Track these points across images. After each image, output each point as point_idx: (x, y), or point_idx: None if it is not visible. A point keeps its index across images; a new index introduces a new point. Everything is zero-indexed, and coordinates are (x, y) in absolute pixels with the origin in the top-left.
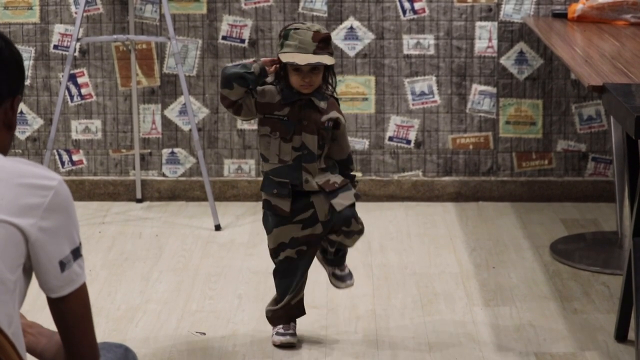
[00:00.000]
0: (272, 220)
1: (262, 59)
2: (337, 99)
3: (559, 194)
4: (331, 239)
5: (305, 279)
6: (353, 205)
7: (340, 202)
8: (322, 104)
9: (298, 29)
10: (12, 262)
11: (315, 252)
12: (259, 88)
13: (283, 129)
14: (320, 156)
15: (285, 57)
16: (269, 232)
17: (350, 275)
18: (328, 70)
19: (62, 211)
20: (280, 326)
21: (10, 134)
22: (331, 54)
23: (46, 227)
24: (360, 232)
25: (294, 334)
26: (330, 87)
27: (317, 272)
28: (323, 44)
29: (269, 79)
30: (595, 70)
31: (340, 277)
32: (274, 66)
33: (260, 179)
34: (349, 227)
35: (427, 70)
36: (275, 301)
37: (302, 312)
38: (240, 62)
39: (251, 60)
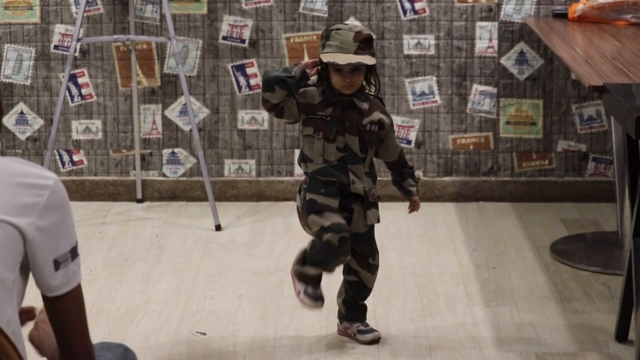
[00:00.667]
0: (309, 209)
1: (303, 62)
2: (380, 99)
3: (560, 194)
4: (353, 267)
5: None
6: (373, 232)
7: (371, 217)
8: (364, 105)
9: (340, 29)
10: (10, 262)
11: (347, 252)
12: (300, 89)
13: (326, 129)
14: (364, 160)
15: (326, 57)
16: (308, 215)
17: (374, 329)
18: (370, 70)
19: (59, 210)
20: (310, 286)
21: None
22: (373, 55)
23: (43, 226)
24: (377, 269)
25: (322, 298)
26: (373, 88)
27: None
28: (364, 44)
29: (311, 80)
30: (595, 71)
31: (365, 331)
32: (315, 68)
33: (261, 179)
34: (374, 260)
35: (427, 70)
36: (304, 262)
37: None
38: (282, 67)
39: (293, 64)
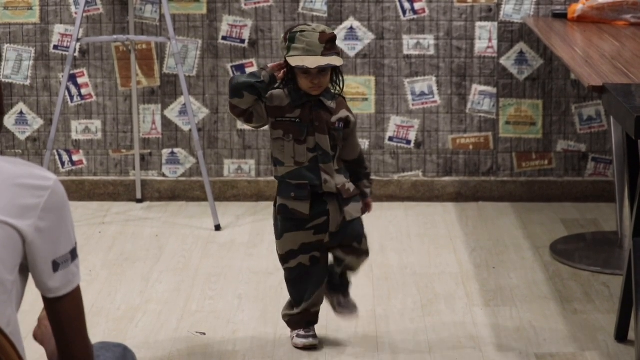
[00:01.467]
0: (283, 225)
1: (270, 65)
2: (344, 98)
3: (559, 194)
4: (339, 256)
5: (322, 292)
6: (360, 219)
7: (351, 212)
8: (332, 104)
9: (304, 31)
10: (9, 263)
11: (324, 269)
12: (271, 92)
13: (296, 130)
14: (334, 157)
15: (295, 61)
16: (278, 237)
17: (355, 306)
18: (334, 70)
19: (59, 211)
20: (301, 330)
21: None
22: (339, 54)
23: (43, 227)
24: (367, 254)
25: (315, 336)
26: (337, 87)
27: None
28: (330, 44)
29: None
30: (595, 71)
31: (345, 304)
32: (282, 71)
33: (261, 179)
34: (360, 244)
35: (427, 70)
36: (291, 306)
37: (316, 322)
38: (249, 72)
39: (260, 68)
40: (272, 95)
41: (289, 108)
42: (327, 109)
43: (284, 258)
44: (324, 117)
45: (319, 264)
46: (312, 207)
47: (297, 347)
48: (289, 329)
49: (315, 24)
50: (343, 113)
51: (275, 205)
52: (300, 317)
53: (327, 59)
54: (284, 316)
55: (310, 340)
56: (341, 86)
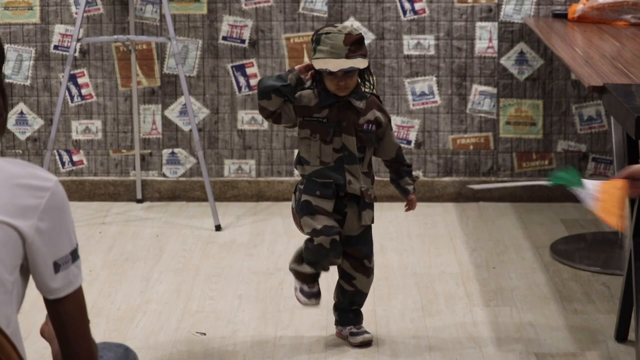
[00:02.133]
0: (303, 210)
1: (297, 67)
2: (377, 96)
3: (560, 194)
4: (348, 272)
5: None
6: (371, 237)
7: (365, 217)
8: (361, 104)
9: (329, 32)
10: (9, 263)
11: (338, 255)
12: (300, 92)
13: (323, 130)
14: (362, 159)
15: (318, 64)
16: (301, 217)
17: (366, 331)
18: (364, 69)
19: (59, 212)
20: (306, 284)
21: None
22: (364, 56)
23: (43, 228)
24: (373, 271)
25: (318, 295)
26: (368, 84)
27: None
28: (355, 46)
29: (307, 84)
30: (595, 71)
31: (356, 333)
32: (309, 72)
33: (261, 179)
34: (370, 262)
35: (427, 70)
36: (301, 260)
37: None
38: (277, 75)
39: (287, 71)
40: (301, 95)
41: (317, 108)
42: (355, 109)
43: (313, 233)
44: (351, 117)
45: (339, 246)
46: (335, 205)
47: (298, 301)
48: (289, 329)
49: (342, 25)
50: (373, 114)
51: (297, 200)
52: (307, 276)
53: (350, 62)
54: (292, 269)
55: (312, 301)
56: (373, 84)
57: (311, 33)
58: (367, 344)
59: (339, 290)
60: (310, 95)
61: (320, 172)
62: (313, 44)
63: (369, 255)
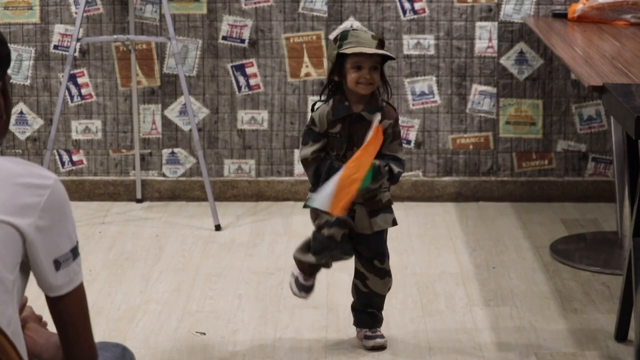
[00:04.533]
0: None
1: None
2: (394, 107)
3: (559, 194)
4: (362, 272)
5: (338, 254)
6: (384, 239)
7: (379, 222)
8: (376, 117)
9: (356, 30)
10: (10, 262)
11: (349, 250)
12: (314, 117)
13: (337, 146)
14: None
15: (351, 50)
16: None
17: (382, 336)
18: (382, 77)
19: (59, 210)
20: (302, 275)
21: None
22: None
23: (43, 226)
24: (390, 274)
25: (310, 289)
26: (385, 92)
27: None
28: (380, 46)
29: (323, 97)
30: (595, 71)
31: (370, 337)
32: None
33: (261, 179)
34: (382, 263)
35: (427, 70)
36: (307, 249)
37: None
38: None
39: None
40: (318, 117)
41: (331, 123)
42: (367, 122)
43: (324, 224)
44: (362, 131)
45: (346, 244)
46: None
47: (291, 289)
48: (289, 329)
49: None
50: (383, 125)
51: None
52: (309, 268)
53: (382, 51)
54: (295, 257)
55: (302, 294)
56: (389, 92)
57: (311, 33)
58: (379, 348)
59: (355, 290)
60: (323, 113)
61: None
62: (338, 42)
63: (380, 256)
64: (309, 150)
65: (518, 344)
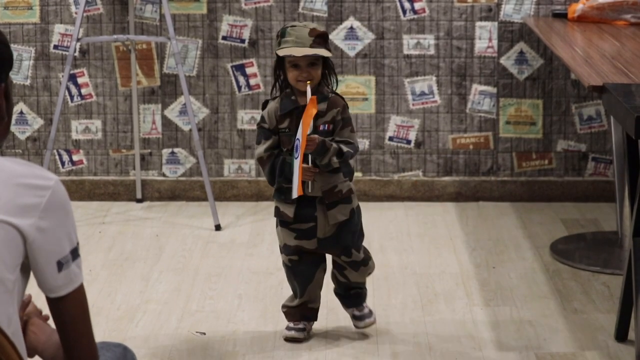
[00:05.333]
0: (277, 221)
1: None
2: (341, 97)
3: (559, 194)
4: (336, 273)
5: (316, 288)
6: (353, 226)
7: (335, 215)
8: (321, 106)
9: (295, 26)
10: (11, 262)
11: (317, 269)
12: (264, 115)
13: (287, 140)
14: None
15: (283, 52)
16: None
17: (370, 313)
18: (327, 67)
19: (60, 211)
20: (291, 323)
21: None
22: (329, 50)
23: (44, 226)
24: (364, 262)
25: (301, 329)
26: (329, 84)
27: None
28: (320, 39)
29: (274, 92)
30: (595, 70)
31: (358, 317)
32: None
33: (261, 179)
34: (349, 256)
35: (427, 70)
36: (292, 298)
37: (314, 318)
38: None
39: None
40: (267, 114)
41: (280, 119)
42: (316, 113)
43: (280, 249)
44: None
45: (300, 266)
46: (300, 212)
47: (284, 339)
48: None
49: (309, 22)
50: (331, 114)
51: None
52: (296, 310)
53: (314, 50)
54: (283, 307)
55: (292, 333)
56: (334, 83)
57: None
58: (369, 325)
59: (334, 278)
60: (272, 109)
61: (286, 176)
62: (278, 38)
63: (346, 250)
64: (262, 148)
65: (518, 344)
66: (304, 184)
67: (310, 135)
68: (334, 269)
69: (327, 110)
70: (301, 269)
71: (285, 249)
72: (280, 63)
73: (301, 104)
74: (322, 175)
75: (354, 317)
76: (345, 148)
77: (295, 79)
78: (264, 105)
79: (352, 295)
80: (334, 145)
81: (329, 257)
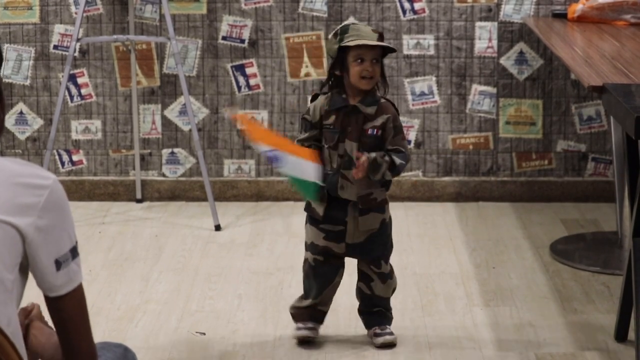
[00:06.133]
0: (307, 217)
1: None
2: (392, 103)
3: (559, 194)
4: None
5: (331, 292)
6: (384, 237)
7: (366, 222)
8: (370, 110)
9: (356, 24)
10: (9, 262)
11: (337, 272)
12: (310, 107)
13: (329, 137)
14: None
15: (354, 42)
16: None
17: (391, 333)
18: (381, 73)
19: (58, 210)
20: (300, 323)
21: None
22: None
23: (43, 226)
24: (390, 276)
25: (312, 328)
26: (381, 87)
27: None
28: (381, 38)
29: (324, 89)
30: (595, 71)
31: (379, 334)
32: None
33: (260, 179)
34: (379, 267)
35: (427, 70)
36: (302, 298)
37: (321, 321)
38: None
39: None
40: (313, 108)
41: (326, 114)
42: (363, 115)
43: (305, 246)
44: (357, 123)
45: (323, 267)
46: (330, 213)
47: (295, 339)
48: (289, 329)
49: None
50: (381, 119)
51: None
52: (305, 311)
53: (383, 43)
54: (292, 308)
55: (304, 332)
56: (386, 88)
57: (311, 33)
58: (389, 345)
59: (358, 293)
60: (319, 104)
61: (324, 176)
62: (339, 36)
63: (375, 261)
64: (300, 137)
65: (518, 344)
66: (339, 186)
67: (358, 154)
68: (360, 281)
69: (376, 115)
70: (324, 270)
71: (311, 248)
72: (340, 60)
73: (351, 103)
74: (362, 181)
75: (375, 335)
76: (398, 160)
77: (358, 75)
78: (313, 98)
79: (375, 313)
80: (386, 158)
81: (350, 265)
